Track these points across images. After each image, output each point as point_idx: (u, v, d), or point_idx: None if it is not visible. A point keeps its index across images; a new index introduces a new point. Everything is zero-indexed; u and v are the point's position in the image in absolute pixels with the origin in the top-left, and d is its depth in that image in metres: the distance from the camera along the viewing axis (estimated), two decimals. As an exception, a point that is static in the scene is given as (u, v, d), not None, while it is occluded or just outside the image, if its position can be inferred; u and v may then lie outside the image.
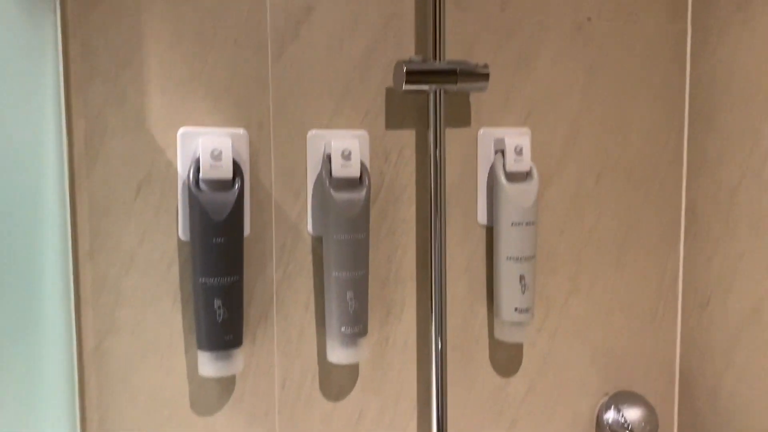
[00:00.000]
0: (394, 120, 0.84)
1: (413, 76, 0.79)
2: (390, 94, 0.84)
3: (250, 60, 0.78)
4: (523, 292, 0.86)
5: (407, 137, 0.85)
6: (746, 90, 0.87)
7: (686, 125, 0.97)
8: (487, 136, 0.88)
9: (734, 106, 0.89)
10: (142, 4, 0.73)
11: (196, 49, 0.75)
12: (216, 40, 0.76)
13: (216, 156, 0.73)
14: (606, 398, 0.97)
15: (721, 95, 0.91)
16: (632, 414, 0.95)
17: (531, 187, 0.86)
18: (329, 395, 0.84)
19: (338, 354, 0.80)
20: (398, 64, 0.80)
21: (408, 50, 0.84)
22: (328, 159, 0.80)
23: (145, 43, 0.73)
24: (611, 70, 0.93)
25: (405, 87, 0.79)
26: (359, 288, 0.79)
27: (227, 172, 0.74)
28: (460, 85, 0.81)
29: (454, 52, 0.85)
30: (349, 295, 0.79)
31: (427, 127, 0.83)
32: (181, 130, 0.75)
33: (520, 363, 0.92)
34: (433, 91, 0.81)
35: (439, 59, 0.81)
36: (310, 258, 0.82)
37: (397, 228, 0.86)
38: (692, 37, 0.95)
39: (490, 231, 0.89)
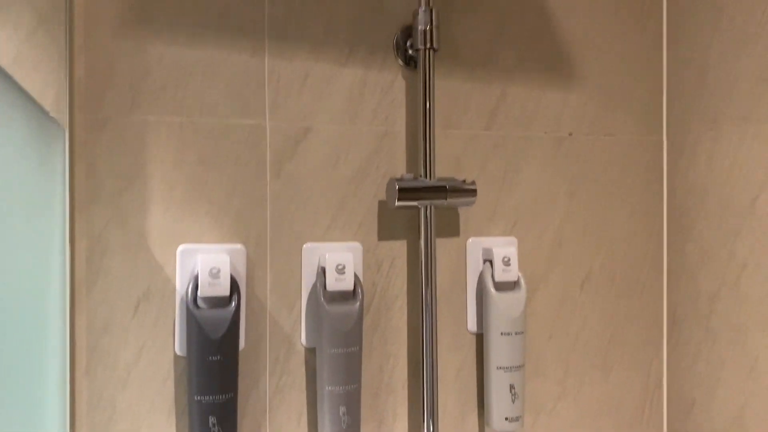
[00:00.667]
0: (386, 232, 0.87)
1: (405, 193, 0.83)
2: (382, 206, 0.87)
3: (249, 178, 0.81)
4: (513, 401, 0.87)
5: (399, 248, 0.88)
6: (719, 204, 0.92)
7: (665, 234, 1.01)
8: (475, 245, 0.91)
9: (709, 219, 0.93)
10: (147, 129, 0.77)
11: (197, 169, 0.79)
12: (217, 160, 0.80)
13: (214, 274, 0.75)
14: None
15: (697, 207, 0.95)
16: None
17: (519, 297, 0.89)
18: None
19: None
20: (391, 182, 0.84)
21: (400, 166, 0.88)
22: (322, 272, 0.82)
23: (148, 165, 0.77)
24: (592, 181, 0.98)
25: (397, 204, 0.82)
26: (352, 402, 0.80)
27: (225, 290, 0.76)
28: (450, 201, 0.85)
29: (443, 169, 0.89)
30: (342, 410, 0.79)
31: (418, 238, 0.87)
32: (181, 248, 0.78)
33: (510, 470, 0.93)
34: (423, 206, 0.85)
35: (430, 177, 0.85)
36: (303, 370, 0.83)
37: (389, 337, 0.88)
38: (668, 150, 1.01)
39: (480, 338, 0.91)
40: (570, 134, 0.97)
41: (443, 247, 0.90)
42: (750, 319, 0.88)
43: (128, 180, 0.76)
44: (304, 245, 0.83)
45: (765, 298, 0.86)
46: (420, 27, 0.85)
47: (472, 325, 0.91)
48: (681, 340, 0.98)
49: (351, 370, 0.81)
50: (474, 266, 0.91)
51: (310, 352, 0.83)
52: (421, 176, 0.86)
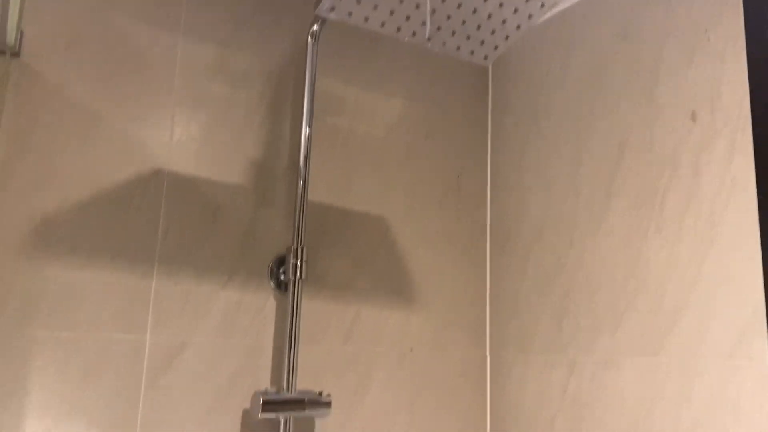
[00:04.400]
0: (248, 438, 0.97)
1: (269, 405, 0.94)
2: (245, 415, 0.97)
3: (126, 388, 0.89)
4: None
5: (258, 454, 0.97)
6: (527, 421, 1.11)
7: (488, 440, 1.19)
8: (327, 451, 1.02)
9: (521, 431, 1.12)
10: (36, 343, 0.84)
11: (79, 381, 0.86)
12: (98, 372, 0.87)
13: (81, 487, 0.80)
14: None
15: (512, 420, 1.14)
16: None
17: (363, 501, 1.00)
18: None
19: None
20: (255, 395, 0.95)
21: (265, 378, 1.00)
22: (185, 480, 0.89)
23: (31, 377, 0.83)
24: (430, 392, 1.15)
25: (261, 416, 0.93)
26: None
27: (89, 502, 0.80)
28: (308, 412, 0.97)
29: (303, 381, 1.02)
30: None
31: (277, 447, 0.96)
32: (50, 459, 0.82)
33: None
34: (284, 418, 0.96)
35: (291, 390, 0.98)
36: None
37: None
38: (491, 366, 1.21)
39: None
40: (411, 350, 1.14)
41: (299, 452, 1.00)
42: None
43: (7, 392, 0.81)
44: (170, 452, 0.90)
45: (563, 502, 1.03)
46: (291, 261, 1.01)
47: None
48: None
49: None
50: (325, 470, 1.02)
51: None
52: (283, 389, 0.98)
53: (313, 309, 1.06)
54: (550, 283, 1.12)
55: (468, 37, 0.98)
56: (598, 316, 1.02)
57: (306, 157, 1.04)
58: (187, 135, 0.99)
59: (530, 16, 0.96)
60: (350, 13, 0.92)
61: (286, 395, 0.97)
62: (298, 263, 1.01)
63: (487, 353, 1.22)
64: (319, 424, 1.03)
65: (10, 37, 0.83)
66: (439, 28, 0.96)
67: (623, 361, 0.96)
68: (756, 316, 0.80)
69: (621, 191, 1.01)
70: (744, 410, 0.80)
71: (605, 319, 1.00)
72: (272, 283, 1.04)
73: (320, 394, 1.00)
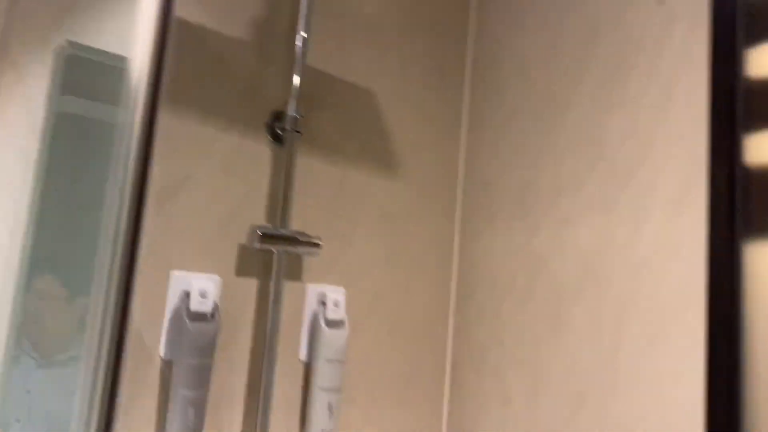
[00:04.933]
0: (242, 270, 1.06)
1: (265, 237, 1.03)
2: (241, 249, 1.06)
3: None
4: (330, 418, 1.07)
5: (251, 285, 1.07)
6: (491, 278, 1.25)
7: (452, 298, 1.32)
8: (313, 290, 1.13)
9: (484, 290, 1.26)
10: None
11: (92, 194, 0.92)
12: (111, 189, 0.94)
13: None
14: None
15: (477, 280, 1.28)
16: None
17: (344, 333, 1.11)
18: (156, 506, 0.94)
19: (174, 464, 0.92)
20: (253, 228, 1.04)
21: (260, 218, 1.09)
22: (186, 295, 0.98)
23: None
24: (404, 252, 1.26)
25: (259, 246, 1.02)
26: (199, 406, 0.94)
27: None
28: (300, 249, 1.07)
29: (294, 226, 1.12)
30: (191, 411, 0.93)
31: (269, 278, 1.06)
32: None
33: (321, 482, 1.10)
34: (278, 251, 1.06)
35: (285, 228, 1.07)
36: (158, 379, 0.96)
37: (234, 358, 1.04)
38: (459, 235, 1.34)
39: (308, 366, 1.11)
40: (390, 213, 1.25)
41: (287, 288, 1.11)
42: (507, 364, 1.19)
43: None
44: (172, 272, 0.99)
45: (519, 346, 1.17)
46: (290, 113, 1.09)
47: (303, 355, 1.11)
48: (458, 385, 1.27)
49: (202, 379, 0.95)
50: (311, 307, 1.13)
51: (166, 363, 0.97)
52: (278, 227, 1.07)
53: (305, 164, 1.15)
54: (518, 158, 1.24)
55: None
56: (561, 182, 1.14)
57: (307, 18, 1.11)
58: (199, -16, 1.05)
59: None
60: None
61: (281, 231, 1.07)
62: (297, 116, 1.10)
63: (456, 225, 1.34)
64: (306, 263, 1.13)
65: None
66: None
67: (581, 219, 1.10)
68: (698, 167, 0.94)
69: (592, 67, 1.13)
70: (684, 248, 0.95)
71: (567, 184, 1.13)
72: (269, 135, 1.12)
73: (311, 236, 1.09)
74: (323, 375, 1.08)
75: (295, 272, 1.12)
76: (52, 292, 0.83)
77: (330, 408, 1.07)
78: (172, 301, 0.99)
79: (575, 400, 1.05)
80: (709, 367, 0.89)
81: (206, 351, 0.96)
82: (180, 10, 1.03)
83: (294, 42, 1.14)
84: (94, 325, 0.87)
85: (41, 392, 0.83)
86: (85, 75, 0.88)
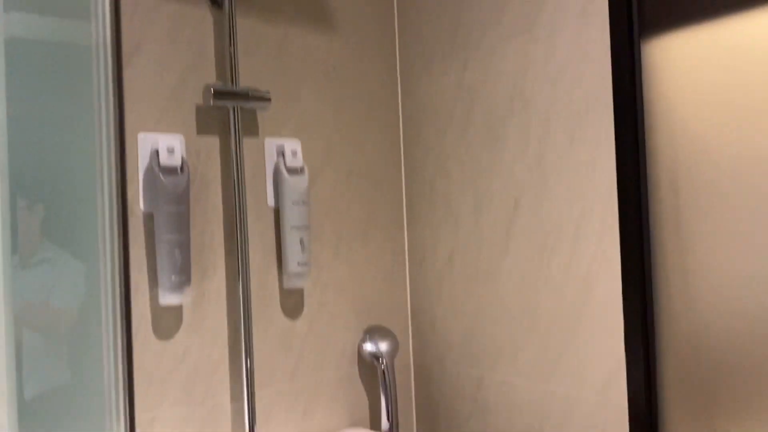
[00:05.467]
0: (202, 129, 1.15)
1: (219, 95, 1.12)
2: (199, 110, 1.15)
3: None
4: (303, 251, 1.21)
5: (213, 142, 1.17)
6: (435, 115, 1.36)
7: (402, 141, 1.44)
8: (270, 143, 1.24)
9: (429, 127, 1.38)
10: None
11: (51, 66, 0.99)
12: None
13: (72, 144, 0.97)
14: (363, 333, 1.35)
15: (422, 120, 1.39)
16: (383, 343, 1.34)
17: (304, 178, 1.23)
18: (160, 336, 1.08)
19: (168, 297, 1.05)
20: (207, 87, 1.12)
21: (212, 78, 1.17)
22: (156, 153, 1.07)
23: None
24: (350, 103, 1.36)
25: (213, 103, 1.11)
26: (183, 247, 1.07)
27: (81, 157, 0.98)
28: (252, 104, 1.16)
29: (245, 82, 1.20)
30: (177, 252, 1.06)
31: (229, 134, 1.16)
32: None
33: (302, 309, 1.26)
34: (232, 107, 1.15)
35: (235, 86, 1.16)
36: (142, 230, 1.07)
37: (208, 210, 1.15)
38: (401, 81, 1.44)
39: (277, 211, 1.23)
40: (333, 68, 1.34)
41: (247, 143, 1.21)
42: (455, 191, 1.33)
43: None
44: (139, 134, 1.08)
45: (462, 173, 1.31)
46: (225, -24, 1.15)
47: (271, 201, 1.23)
48: (414, 215, 1.41)
49: (182, 224, 1.07)
50: (270, 158, 1.23)
51: (148, 216, 1.08)
52: (229, 85, 1.16)
53: (246, 26, 1.21)
54: (437, 15, 1.32)
55: None
56: (485, 15, 1.24)
57: None
58: None
59: None
60: None
61: (233, 88, 1.15)
62: (231, -21, 1.15)
63: (398, 71, 1.44)
64: (261, 118, 1.23)
65: None
66: None
67: (505, 47, 1.20)
68: None
69: None
70: (593, 55, 1.07)
71: (490, 17, 1.23)
72: (208, 0, 1.18)
73: (262, 92, 1.18)
74: (292, 215, 1.21)
75: (251, 128, 1.22)
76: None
77: (302, 242, 1.21)
78: (143, 160, 1.08)
79: (512, 207, 1.20)
80: (618, 154, 1.03)
81: (181, 199, 1.07)
82: None
83: None
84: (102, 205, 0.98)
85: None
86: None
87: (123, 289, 0.99)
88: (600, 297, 1.08)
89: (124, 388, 0.98)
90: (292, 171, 1.23)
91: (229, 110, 1.16)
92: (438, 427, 1.38)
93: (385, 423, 1.30)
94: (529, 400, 1.19)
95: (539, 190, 1.16)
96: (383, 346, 1.34)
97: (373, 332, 1.35)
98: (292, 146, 1.24)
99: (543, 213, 1.15)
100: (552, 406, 1.16)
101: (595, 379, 1.09)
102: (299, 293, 1.26)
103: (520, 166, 1.19)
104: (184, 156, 1.11)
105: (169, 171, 1.08)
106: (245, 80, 1.20)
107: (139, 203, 1.08)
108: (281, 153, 1.23)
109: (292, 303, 1.25)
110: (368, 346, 1.34)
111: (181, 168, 1.09)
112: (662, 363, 1.01)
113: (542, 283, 1.16)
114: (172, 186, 1.06)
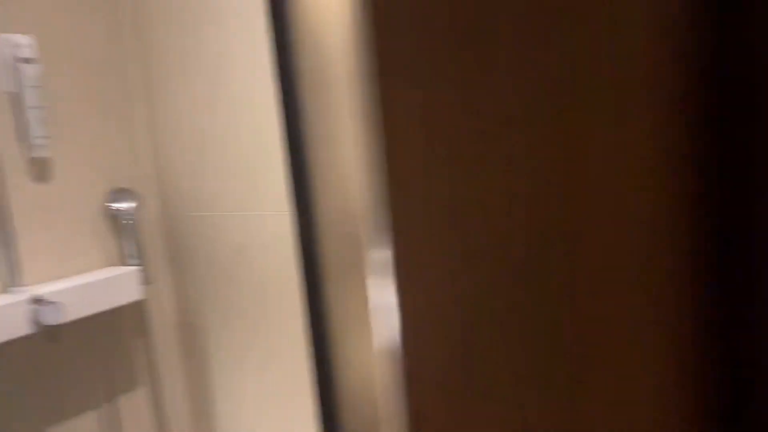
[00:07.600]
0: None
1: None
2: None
3: None
4: (42, 126, 1.50)
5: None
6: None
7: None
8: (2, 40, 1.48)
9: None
10: None
11: None
12: None
13: None
14: (110, 194, 1.68)
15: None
16: (126, 202, 1.69)
17: (38, 66, 1.50)
18: None
19: None
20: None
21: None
22: None
23: None
24: None
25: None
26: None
27: None
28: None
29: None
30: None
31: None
32: None
33: (51, 175, 1.56)
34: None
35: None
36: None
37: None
38: None
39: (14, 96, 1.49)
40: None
41: (-22, 39, 1.43)
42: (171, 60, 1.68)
43: None
44: None
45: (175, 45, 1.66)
46: None
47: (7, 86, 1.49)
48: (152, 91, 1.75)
49: None
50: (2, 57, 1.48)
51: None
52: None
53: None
54: None
55: None
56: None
57: None
58: None
59: None
60: None
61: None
62: None
63: None
64: (-11, 18, 1.46)
65: None
66: None
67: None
68: None
69: None
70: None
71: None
72: None
73: (-15, -5, 1.41)
74: (31, 98, 1.48)
75: (-19, 25, 1.45)
76: None
77: (40, 120, 1.49)
78: None
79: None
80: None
81: None
82: None
83: None
84: None
85: None
86: None
87: None
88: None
89: None
90: (27, 60, 1.49)
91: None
92: (191, 269, 1.78)
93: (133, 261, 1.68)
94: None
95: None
96: (124, 205, 1.69)
97: (117, 192, 1.69)
98: (24, 40, 1.49)
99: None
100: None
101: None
102: (46, 162, 1.55)
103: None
104: None
105: None
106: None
107: None
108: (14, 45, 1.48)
109: (38, 171, 1.54)
110: (114, 205, 1.68)
111: None
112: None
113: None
114: None
